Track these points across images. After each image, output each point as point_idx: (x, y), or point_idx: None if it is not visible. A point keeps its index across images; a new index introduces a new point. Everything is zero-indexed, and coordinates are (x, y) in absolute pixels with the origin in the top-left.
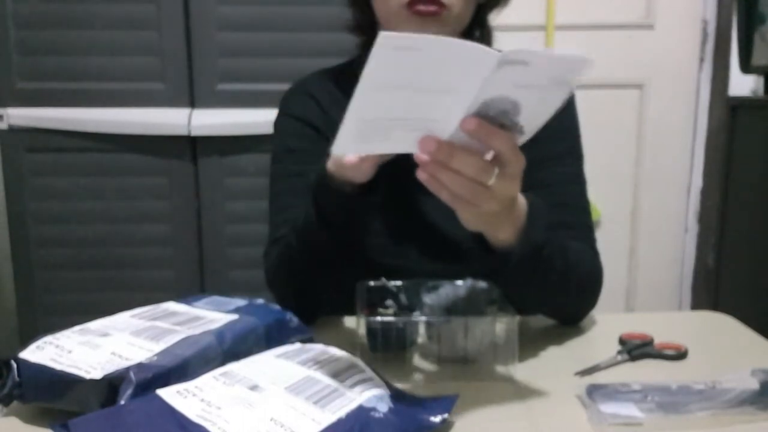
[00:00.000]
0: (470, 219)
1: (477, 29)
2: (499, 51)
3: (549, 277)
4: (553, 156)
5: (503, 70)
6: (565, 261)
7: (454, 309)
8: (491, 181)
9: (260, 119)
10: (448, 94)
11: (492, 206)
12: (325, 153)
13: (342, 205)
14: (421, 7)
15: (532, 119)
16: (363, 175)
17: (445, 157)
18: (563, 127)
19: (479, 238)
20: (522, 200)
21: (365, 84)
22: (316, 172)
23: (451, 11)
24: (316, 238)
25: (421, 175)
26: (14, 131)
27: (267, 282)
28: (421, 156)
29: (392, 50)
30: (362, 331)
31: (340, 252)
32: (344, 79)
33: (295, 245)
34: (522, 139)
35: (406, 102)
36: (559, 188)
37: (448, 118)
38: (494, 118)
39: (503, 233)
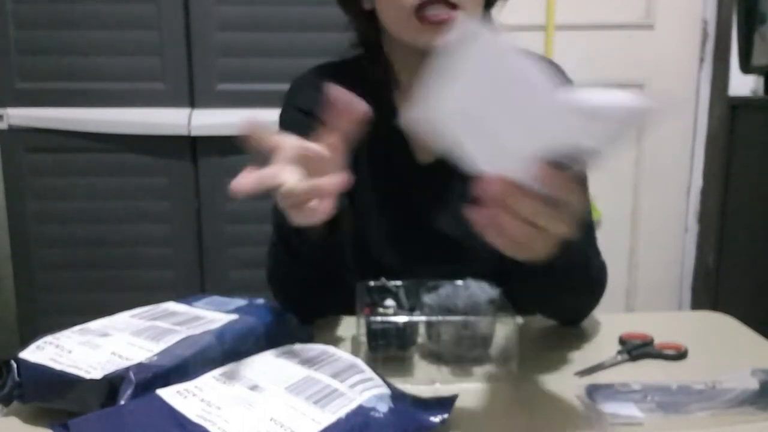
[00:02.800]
0: (510, 250)
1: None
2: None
3: (564, 283)
4: None
5: (574, 116)
6: (580, 266)
7: (454, 309)
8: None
9: (260, 119)
10: (517, 120)
11: (545, 248)
12: None
13: (304, 243)
14: (432, 14)
15: (597, 158)
16: (309, 219)
17: (513, 201)
18: None
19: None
20: None
21: (447, 72)
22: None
23: (464, 13)
24: (288, 258)
25: (478, 217)
26: (14, 131)
27: (267, 281)
28: (483, 197)
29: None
30: (362, 331)
31: (330, 265)
32: (347, 75)
33: (279, 256)
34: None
35: (480, 109)
36: None
37: (518, 150)
38: (561, 159)
39: (537, 256)
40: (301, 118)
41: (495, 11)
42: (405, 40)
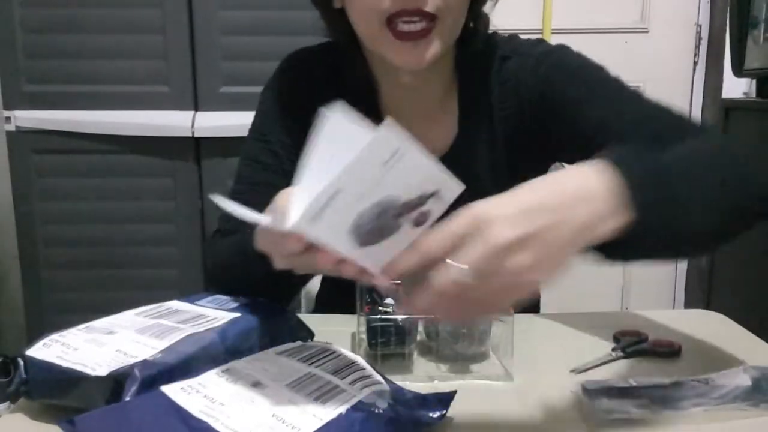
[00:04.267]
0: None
1: (471, 21)
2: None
3: (693, 197)
4: (577, 105)
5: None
6: (694, 167)
7: None
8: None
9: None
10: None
11: (531, 285)
12: (301, 143)
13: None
14: (404, 28)
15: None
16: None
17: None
18: (567, 75)
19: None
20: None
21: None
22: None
23: (444, 23)
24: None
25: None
26: (21, 133)
27: (207, 278)
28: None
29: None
30: (362, 328)
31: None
32: (334, 59)
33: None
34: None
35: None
36: (612, 120)
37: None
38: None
39: (604, 229)
40: (276, 107)
41: (487, 10)
42: (377, 52)
